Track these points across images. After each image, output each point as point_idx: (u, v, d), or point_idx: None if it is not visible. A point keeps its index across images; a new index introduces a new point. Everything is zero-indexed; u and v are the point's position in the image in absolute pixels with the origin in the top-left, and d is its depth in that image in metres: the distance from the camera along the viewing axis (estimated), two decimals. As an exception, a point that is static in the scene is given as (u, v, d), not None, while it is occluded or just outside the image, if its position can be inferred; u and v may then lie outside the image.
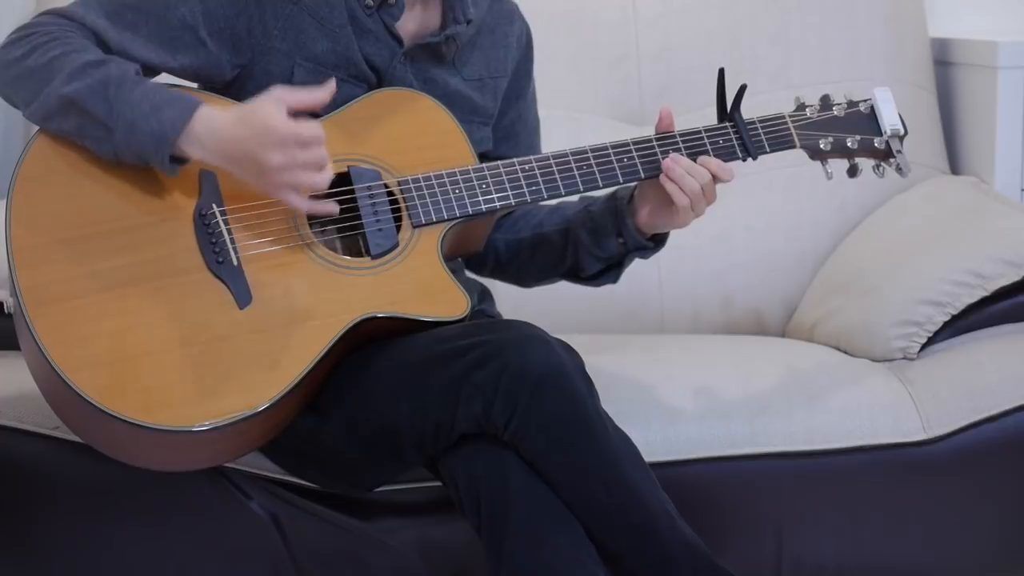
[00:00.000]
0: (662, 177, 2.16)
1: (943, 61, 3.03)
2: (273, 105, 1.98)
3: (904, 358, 2.49)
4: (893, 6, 2.95)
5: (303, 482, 2.25)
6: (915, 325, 2.48)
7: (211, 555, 2.27)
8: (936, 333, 2.49)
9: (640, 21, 2.91)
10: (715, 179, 2.17)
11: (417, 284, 2.09)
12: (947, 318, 2.48)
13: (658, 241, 2.27)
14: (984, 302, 2.49)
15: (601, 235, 2.26)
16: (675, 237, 2.83)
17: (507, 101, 2.33)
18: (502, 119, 2.33)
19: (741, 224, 2.85)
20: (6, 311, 2.06)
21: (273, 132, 1.98)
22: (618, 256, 2.27)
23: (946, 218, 2.70)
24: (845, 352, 2.57)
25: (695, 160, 2.17)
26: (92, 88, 2.01)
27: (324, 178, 2.00)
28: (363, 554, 2.27)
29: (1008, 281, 2.48)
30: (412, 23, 2.23)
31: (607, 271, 2.31)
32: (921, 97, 2.93)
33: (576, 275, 2.34)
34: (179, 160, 2.04)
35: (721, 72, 2.23)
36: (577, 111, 2.87)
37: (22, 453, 2.26)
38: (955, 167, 3.00)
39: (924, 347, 2.49)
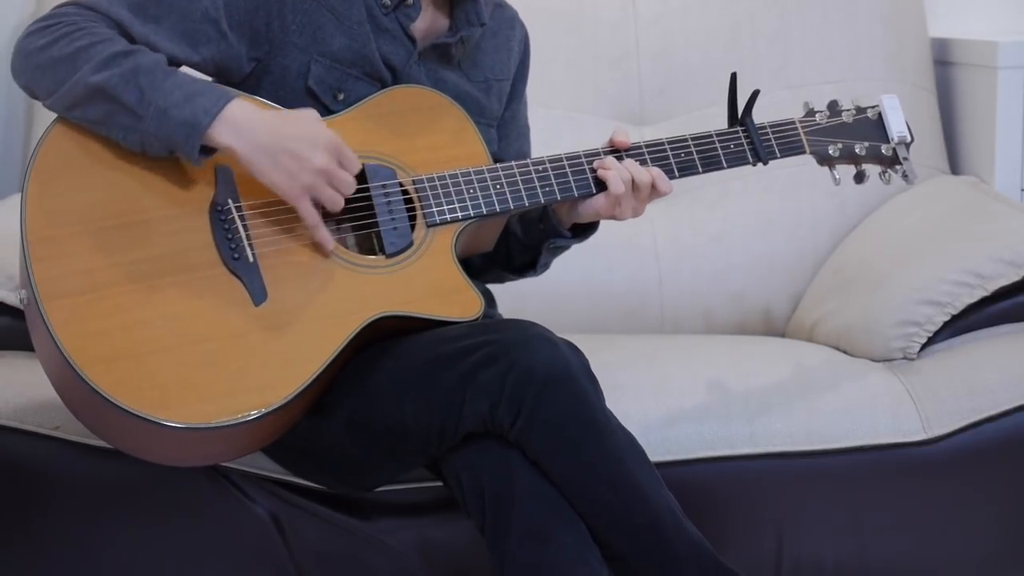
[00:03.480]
0: (600, 171, 2.17)
1: (943, 61, 3.03)
2: (318, 117, 2.06)
3: (904, 358, 2.49)
4: (893, 6, 2.95)
5: (303, 482, 2.25)
6: (915, 325, 2.48)
7: (211, 555, 2.27)
8: (936, 333, 2.49)
9: (640, 21, 2.91)
10: (655, 188, 2.17)
11: (431, 284, 2.09)
12: (947, 318, 2.48)
13: (578, 233, 2.26)
14: (984, 302, 2.49)
15: (528, 222, 2.27)
16: (675, 237, 2.84)
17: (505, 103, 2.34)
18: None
19: (741, 224, 2.85)
20: (19, 302, 2.05)
21: (325, 136, 2.03)
22: (538, 242, 2.27)
23: (946, 218, 2.70)
24: (845, 352, 2.57)
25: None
26: (123, 76, 2.01)
27: (340, 202, 2.05)
28: (363, 554, 2.27)
29: (1008, 281, 2.48)
30: (424, 23, 2.23)
31: (533, 261, 2.31)
32: (921, 97, 2.93)
33: (509, 265, 2.34)
34: (207, 150, 2.04)
35: (733, 77, 2.24)
36: (577, 111, 2.87)
37: (22, 453, 2.25)
38: (955, 167, 3.00)
39: (924, 347, 2.49)
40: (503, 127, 2.34)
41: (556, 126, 2.80)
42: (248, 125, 2.02)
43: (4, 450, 2.25)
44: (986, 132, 2.93)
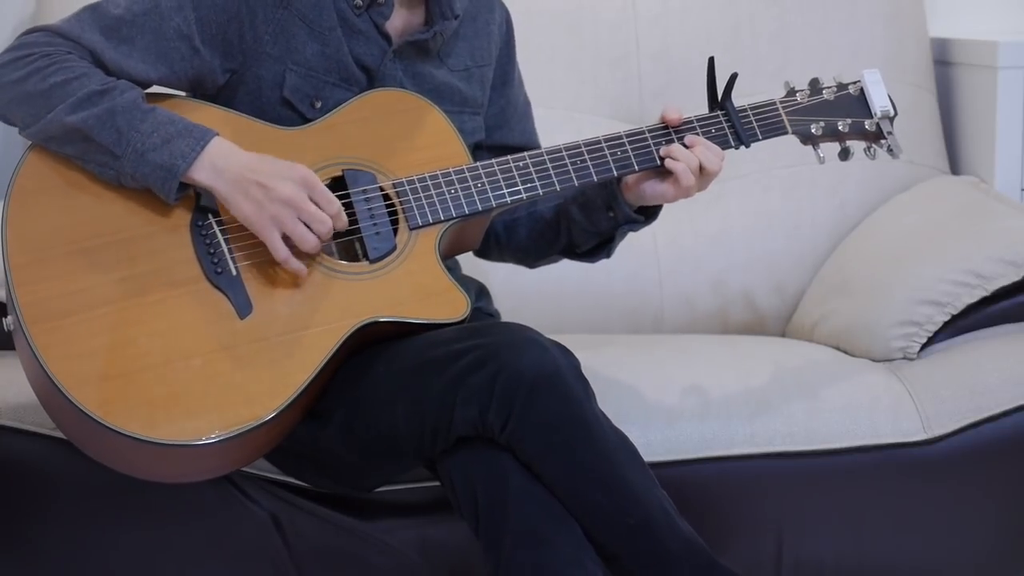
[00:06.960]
0: (667, 161, 2.17)
1: (943, 61, 3.03)
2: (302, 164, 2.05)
3: (904, 358, 2.49)
4: (893, 6, 2.95)
5: (303, 483, 2.25)
6: (915, 325, 2.48)
7: (211, 555, 2.27)
8: (936, 333, 2.49)
9: (640, 21, 2.91)
10: (703, 169, 2.17)
11: (417, 287, 2.09)
12: (947, 318, 2.48)
13: (648, 215, 2.27)
14: (984, 302, 2.49)
15: (592, 210, 2.26)
16: (675, 237, 2.84)
17: (494, 89, 2.33)
18: (491, 107, 2.33)
19: (740, 224, 2.85)
20: (5, 328, 2.05)
21: (298, 171, 2.03)
22: (609, 230, 2.27)
23: (946, 218, 2.70)
24: (845, 352, 2.57)
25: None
26: (99, 117, 2.02)
27: (313, 241, 2.03)
28: (363, 554, 2.27)
29: (1008, 281, 2.48)
30: (399, 20, 2.23)
31: (601, 246, 2.31)
32: (921, 97, 2.93)
33: (572, 252, 2.34)
34: (184, 186, 2.05)
35: (711, 61, 2.24)
36: (577, 111, 2.87)
37: (22, 453, 2.26)
38: (955, 167, 3.00)
39: (924, 347, 2.49)
40: (500, 115, 2.34)
41: (556, 126, 2.80)
42: (224, 163, 2.04)
43: (4, 450, 2.25)
44: (986, 132, 2.92)
